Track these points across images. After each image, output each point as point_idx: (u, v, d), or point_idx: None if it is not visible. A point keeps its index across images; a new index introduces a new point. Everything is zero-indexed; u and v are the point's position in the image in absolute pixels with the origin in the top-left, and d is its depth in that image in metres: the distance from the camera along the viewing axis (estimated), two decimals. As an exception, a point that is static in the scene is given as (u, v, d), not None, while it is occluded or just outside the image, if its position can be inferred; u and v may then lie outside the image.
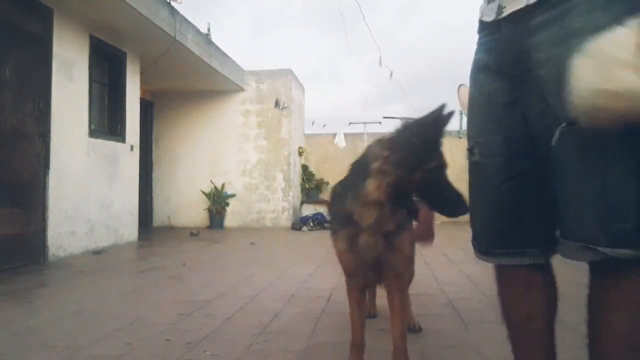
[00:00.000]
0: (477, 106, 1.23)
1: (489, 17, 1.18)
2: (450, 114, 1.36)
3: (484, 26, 1.22)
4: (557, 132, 1.00)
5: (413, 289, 3.24)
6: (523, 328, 1.21)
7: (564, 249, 1.07)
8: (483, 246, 1.23)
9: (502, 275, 1.24)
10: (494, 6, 1.17)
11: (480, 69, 1.21)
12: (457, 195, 1.34)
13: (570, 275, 1.42)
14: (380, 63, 6.29)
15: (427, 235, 1.41)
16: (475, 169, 1.24)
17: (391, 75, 7.03)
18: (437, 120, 1.35)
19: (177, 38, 6.01)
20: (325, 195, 9.92)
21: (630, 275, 0.99)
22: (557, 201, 1.07)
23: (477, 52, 1.24)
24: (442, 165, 1.37)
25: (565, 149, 1.01)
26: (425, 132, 1.33)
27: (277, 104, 8.87)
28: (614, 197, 0.97)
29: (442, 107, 1.33)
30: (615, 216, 0.96)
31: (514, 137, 1.13)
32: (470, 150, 1.23)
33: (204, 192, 8.80)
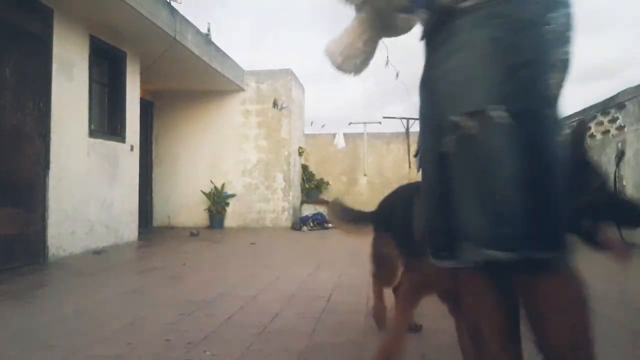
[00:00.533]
0: (419, 116, 1.33)
1: None
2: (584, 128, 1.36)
3: None
4: (446, 140, 1.09)
5: (413, 289, 3.24)
6: (474, 333, 1.19)
7: (462, 249, 1.10)
8: (432, 249, 1.25)
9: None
10: None
11: (420, 83, 1.32)
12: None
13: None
14: (387, 63, 6.24)
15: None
16: (422, 174, 1.30)
17: (397, 75, 6.98)
18: (577, 137, 1.28)
19: (177, 38, 6.01)
20: (325, 195, 9.93)
21: (545, 277, 1.02)
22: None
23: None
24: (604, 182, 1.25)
25: (455, 155, 1.08)
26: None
27: (275, 104, 8.87)
28: (498, 202, 1.01)
29: (582, 123, 1.35)
30: (500, 220, 1.00)
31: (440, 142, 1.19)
32: (416, 156, 1.36)
33: (204, 192, 8.80)
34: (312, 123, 10.75)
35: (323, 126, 10.86)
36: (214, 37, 7.89)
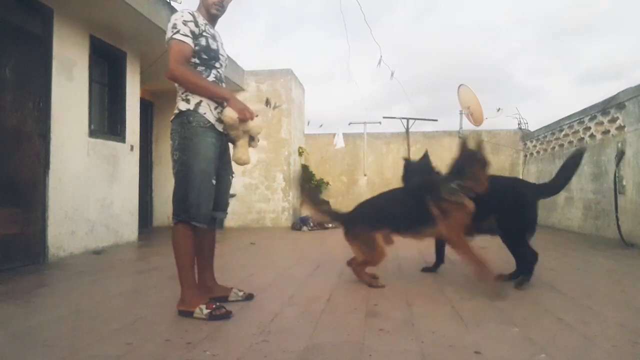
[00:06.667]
0: None
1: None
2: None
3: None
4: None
5: (412, 289, 3.24)
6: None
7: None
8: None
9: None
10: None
11: None
12: None
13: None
14: (379, 63, 6.36)
15: None
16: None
17: (392, 75, 7.11)
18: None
19: (177, 38, 5.99)
20: (326, 195, 9.92)
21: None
22: None
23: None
24: None
25: None
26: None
27: (267, 102, 8.87)
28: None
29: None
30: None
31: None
32: None
33: (204, 192, 8.78)
34: (308, 123, 10.74)
35: (321, 126, 10.87)
36: (225, 37, 7.86)
